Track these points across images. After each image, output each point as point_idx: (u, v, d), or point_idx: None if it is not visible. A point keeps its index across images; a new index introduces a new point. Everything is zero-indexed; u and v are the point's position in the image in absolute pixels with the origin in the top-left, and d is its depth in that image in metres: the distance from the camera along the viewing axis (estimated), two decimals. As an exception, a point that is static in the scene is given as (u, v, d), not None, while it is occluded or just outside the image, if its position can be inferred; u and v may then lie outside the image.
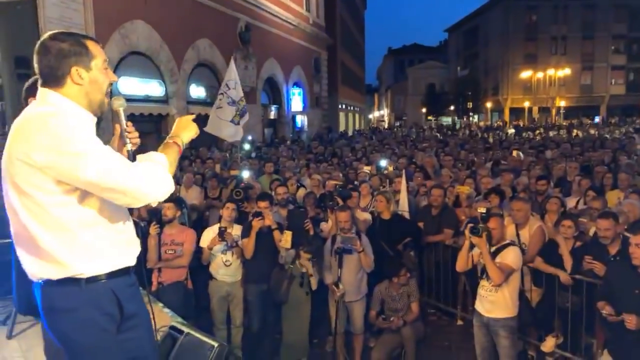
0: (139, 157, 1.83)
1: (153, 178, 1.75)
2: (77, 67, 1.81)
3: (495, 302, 4.20)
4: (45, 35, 1.83)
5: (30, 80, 2.44)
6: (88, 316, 1.80)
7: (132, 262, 1.97)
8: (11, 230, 1.84)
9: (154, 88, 14.14)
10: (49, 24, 9.37)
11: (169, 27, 14.22)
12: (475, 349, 4.46)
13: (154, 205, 1.84)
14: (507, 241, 4.41)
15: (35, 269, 1.80)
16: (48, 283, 1.79)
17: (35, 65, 1.82)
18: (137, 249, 2.05)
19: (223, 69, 17.69)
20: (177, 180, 7.89)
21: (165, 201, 4.88)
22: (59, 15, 10.03)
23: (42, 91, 1.83)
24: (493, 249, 4.21)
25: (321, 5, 29.54)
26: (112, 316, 1.86)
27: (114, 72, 10.99)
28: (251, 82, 19.29)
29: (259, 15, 20.41)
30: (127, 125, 1.97)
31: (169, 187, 1.81)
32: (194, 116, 2.14)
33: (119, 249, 1.91)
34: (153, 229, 4.74)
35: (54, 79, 1.81)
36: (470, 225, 4.15)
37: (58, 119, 1.70)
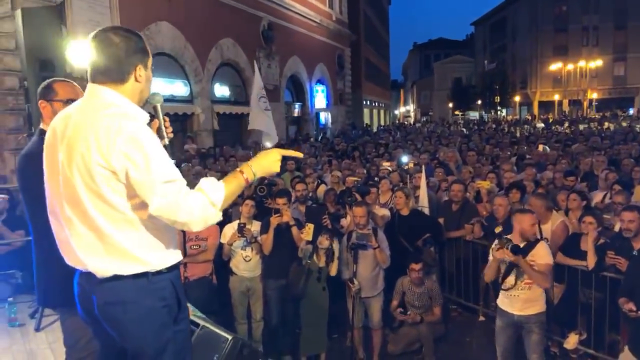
0: (202, 182, 1.80)
1: (202, 216, 1.75)
2: (140, 65, 1.85)
3: (529, 300, 4.05)
4: (105, 29, 1.85)
5: (45, 83, 2.52)
6: (151, 308, 1.85)
7: (181, 256, 2.03)
8: (67, 232, 1.84)
9: (178, 88, 14.40)
10: (77, 27, 9.65)
11: (192, 28, 14.44)
12: (497, 349, 4.34)
13: None
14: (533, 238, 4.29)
15: (104, 266, 1.80)
16: (114, 277, 1.80)
17: (96, 58, 1.80)
18: None
19: (247, 68, 17.90)
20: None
21: None
22: (87, 19, 10.32)
23: (96, 88, 1.82)
24: (522, 245, 4.10)
25: (344, 1, 29.44)
26: (172, 308, 1.92)
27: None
28: (274, 80, 19.41)
29: (281, 14, 20.50)
30: (165, 120, 2.03)
31: (212, 223, 1.82)
32: (289, 153, 2.07)
33: (173, 244, 1.97)
34: None
35: (118, 74, 1.81)
36: (506, 244, 3.93)
37: (130, 123, 1.74)
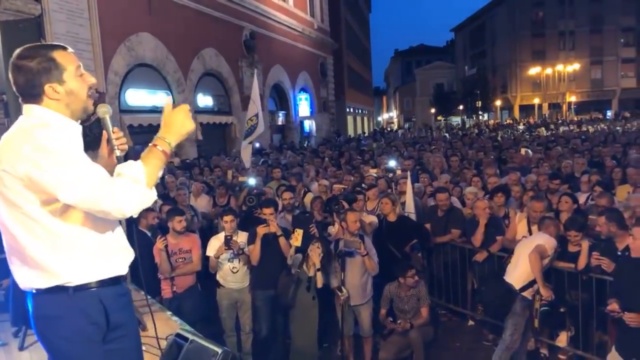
0: (118, 167, 1.78)
1: (129, 196, 1.70)
2: (49, 83, 1.80)
3: None
4: (14, 54, 1.83)
5: None
6: (75, 325, 1.82)
7: (122, 271, 1.98)
8: (4, 243, 1.87)
9: (161, 99, 14.29)
10: (56, 40, 9.54)
11: (174, 38, 14.39)
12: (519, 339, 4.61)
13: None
14: None
15: (26, 278, 1.83)
16: (38, 291, 1.82)
17: (13, 83, 1.83)
18: (128, 257, 2.05)
19: (229, 77, 17.86)
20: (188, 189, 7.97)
21: (175, 214, 4.94)
22: (66, 31, 10.22)
23: (25, 107, 1.85)
24: None
25: (325, 10, 29.65)
26: (99, 326, 1.87)
27: (121, 84, 10.99)
28: (258, 89, 19.40)
29: (263, 23, 20.55)
30: (113, 132, 1.96)
31: (145, 202, 1.76)
32: (187, 107, 1.99)
33: (108, 257, 1.92)
34: (160, 243, 4.81)
35: (31, 97, 1.82)
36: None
37: (43, 130, 1.73)
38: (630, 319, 3.36)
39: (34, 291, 1.84)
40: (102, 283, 1.88)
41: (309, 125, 26.89)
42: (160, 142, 1.83)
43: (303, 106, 25.52)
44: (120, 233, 2.03)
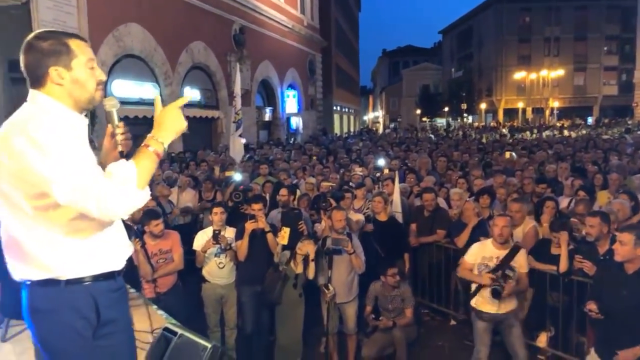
0: (109, 166, 1.71)
1: (117, 198, 1.64)
2: (56, 67, 1.77)
3: (508, 298, 4.33)
4: (31, 34, 1.81)
5: None
6: (65, 319, 1.81)
7: (117, 266, 1.97)
8: (1, 234, 1.86)
9: (148, 91, 14.15)
10: (43, 27, 9.37)
11: (163, 30, 14.25)
12: (481, 351, 4.47)
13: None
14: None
15: (19, 270, 1.82)
16: (32, 283, 1.81)
17: (21, 65, 1.80)
18: (126, 252, 2.04)
19: (217, 72, 17.75)
20: (173, 183, 7.91)
21: (150, 218, 4.78)
22: (52, 19, 10.03)
23: (31, 92, 1.82)
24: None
25: (315, 7, 29.61)
26: (89, 321, 1.85)
27: (108, 75, 10.78)
28: (246, 85, 19.31)
29: (253, 18, 20.45)
30: (118, 127, 1.94)
31: (136, 205, 1.71)
32: (186, 100, 1.96)
33: (102, 252, 1.90)
34: (136, 244, 4.51)
35: (35, 79, 1.79)
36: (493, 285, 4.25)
37: (40, 122, 1.69)
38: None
39: (28, 282, 1.83)
40: (96, 278, 1.87)
41: (296, 122, 26.86)
42: (152, 142, 1.77)
43: (290, 103, 25.46)
44: (119, 228, 2.01)
